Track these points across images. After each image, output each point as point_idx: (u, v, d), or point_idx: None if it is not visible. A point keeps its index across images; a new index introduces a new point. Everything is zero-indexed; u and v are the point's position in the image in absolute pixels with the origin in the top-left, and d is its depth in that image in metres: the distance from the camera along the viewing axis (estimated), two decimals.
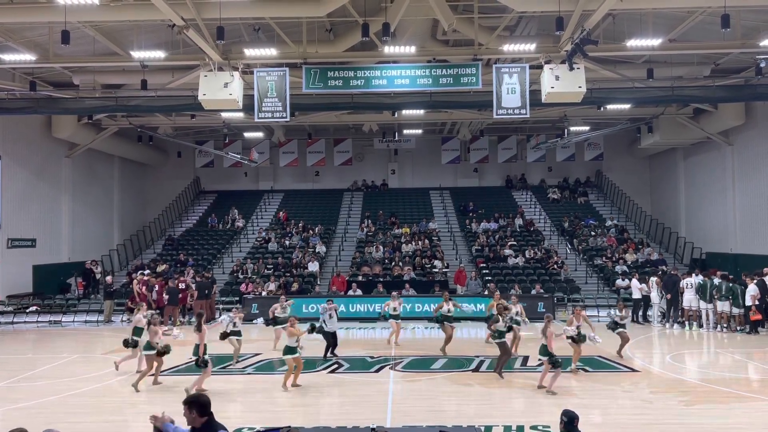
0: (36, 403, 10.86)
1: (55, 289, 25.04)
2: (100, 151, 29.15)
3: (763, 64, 17.74)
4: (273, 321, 15.60)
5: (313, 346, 14.57)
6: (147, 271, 23.55)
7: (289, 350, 11.53)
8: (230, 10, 15.56)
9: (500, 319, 12.69)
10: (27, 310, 22.31)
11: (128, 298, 22.16)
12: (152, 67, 19.20)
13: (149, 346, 11.81)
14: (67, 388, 11.92)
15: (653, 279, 20.37)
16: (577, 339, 12.38)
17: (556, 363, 10.94)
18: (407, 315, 20.92)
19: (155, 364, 11.93)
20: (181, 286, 21.25)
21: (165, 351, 11.84)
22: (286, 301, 16.12)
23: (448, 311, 15.05)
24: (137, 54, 17.42)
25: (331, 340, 14.53)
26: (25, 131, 24.70)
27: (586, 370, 13.11)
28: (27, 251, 24.65)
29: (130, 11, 15.62)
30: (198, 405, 4.95)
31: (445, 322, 15.03)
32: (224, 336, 13.57)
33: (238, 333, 13.75)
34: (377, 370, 13.30)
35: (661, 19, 17.58)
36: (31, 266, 24.79)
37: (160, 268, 25.30)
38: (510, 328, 13.57)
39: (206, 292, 21.14)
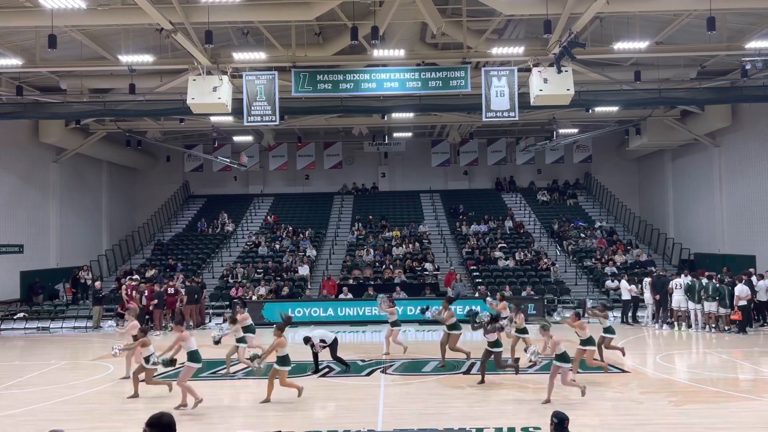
0: (24, 410, 10.75)
1: (44, 295, 24.79)
2: (88, 156, 28.96)
3: (748, 66, 17.94)
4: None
5: (303, 351, 14.51)
6: (136, 277, 23.39)
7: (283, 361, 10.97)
8: (219, 14, 15.51)
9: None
10: (14, 317, 22.11)
11: (119, 304, 21.99)
12: (140, 72, 19.12)
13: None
14: (56, 395, 11.81)
15: (646, 280, 20.47)
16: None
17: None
18: (398, 318, 20.91)
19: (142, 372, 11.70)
20: (170, 290, 21.10)
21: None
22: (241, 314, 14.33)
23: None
24: (125, 58, 17.33)
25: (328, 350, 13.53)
26: (12, 136, 24.52)
27: (578, 372, 13.15)
28: (14, 257, 24.42)
29: (117, 15, 15.54)
30: (161, 427, 4.44)
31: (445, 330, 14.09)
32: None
33: (242, 340, 13.51)
34: (368, 374, 13.27)
35: (648, 22, 17.73)
36: (18, 272, 24.57)
37: (149, 273, 25.13)
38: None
39: (195, 296, 21.03)
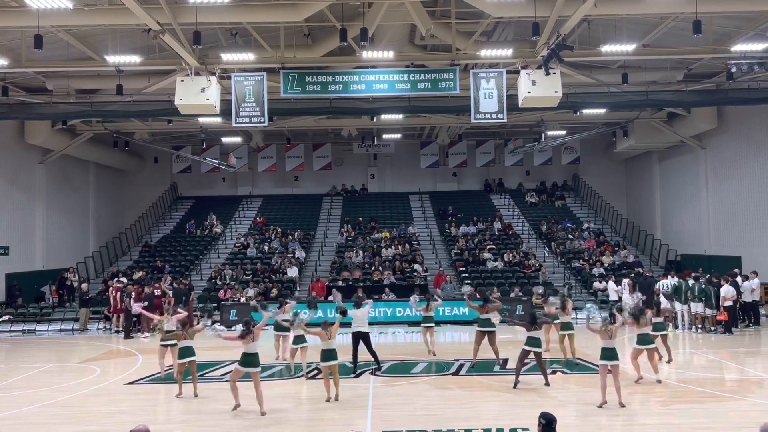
0: (10, 414, 10.64)
1: (30, 298, 24.54)
2: (74, 157, 28.72)
3: (734, 69, 18.10)
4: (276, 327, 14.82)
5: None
6: (123, 279, 23.21)
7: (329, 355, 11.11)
8: (207, 15, 15.45)
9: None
10: (0, 320, 21.86)
11: (106, 306, 21.84)
12: (128, 72, 18.98)
13: (185, 352, 11.60)
14: (42, 398, 11.70)
15: (625, 281, 20.66)
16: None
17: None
18: (387, 319, 20.94)
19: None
20: (157, 292, 20.96)
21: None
22: (287, 304, 14.78)
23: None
24: (112, 59, 17.21)
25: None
26: None
27: (564, 372, 13.24)
28: None
29: (104, 15, 15.43)
30: None
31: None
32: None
33: (302, 339, 13.12)
34: (357, 375, 13.24)
35: (635, 25, 17.86)
36: (3, 275, 24.29)
37: (137, 275, 24.96)
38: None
39: (183, 298, 20.88)
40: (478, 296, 15.58)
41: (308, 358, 13.39)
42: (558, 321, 14.50)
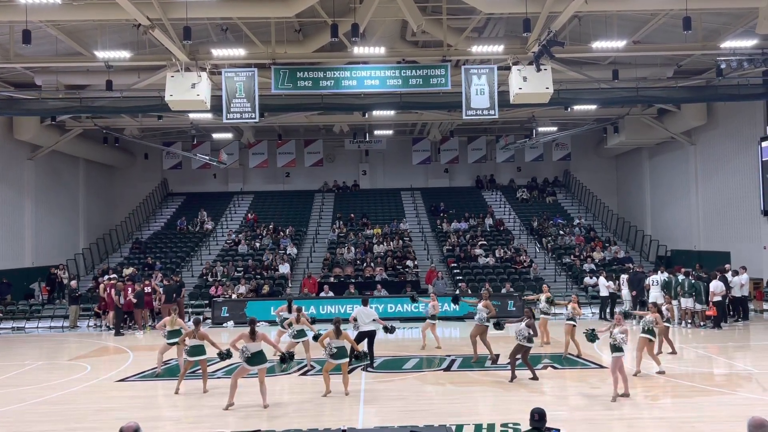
0: None
1: (19, 295, 24.36)
2: (64, 153, 28.51)
3: (723, 66, 18.21)
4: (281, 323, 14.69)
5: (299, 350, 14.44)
6: (114, 276, 23.09)
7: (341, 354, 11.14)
8: (197, 10, 15.38)
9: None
10: None
11: (96, 303, 21.73)
12: (117, 68, 18.83)
13: (195, 350, 11.54)
14: (32, 395, 11.63)
15: (623, 276, 20.75)
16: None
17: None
18: (380, 315, 20.88)
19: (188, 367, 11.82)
20: (147, 289, 20.87)
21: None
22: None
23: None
24: (102, 54, 17.10)
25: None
26: None
27: (555, 367, 13.31)
28: None
29: (93, 10, 15.33)
30: None
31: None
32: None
33: (302, 333, 13.30)
34: (349, 372, 13.20)
35: (626, 21, 17.94)
36: None
37: (127, 271, 24.84)
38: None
39: (174, 295, 20.79)
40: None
41: (300, 354, 13.39)
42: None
